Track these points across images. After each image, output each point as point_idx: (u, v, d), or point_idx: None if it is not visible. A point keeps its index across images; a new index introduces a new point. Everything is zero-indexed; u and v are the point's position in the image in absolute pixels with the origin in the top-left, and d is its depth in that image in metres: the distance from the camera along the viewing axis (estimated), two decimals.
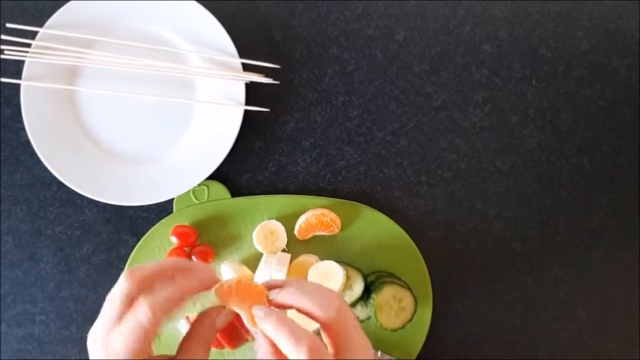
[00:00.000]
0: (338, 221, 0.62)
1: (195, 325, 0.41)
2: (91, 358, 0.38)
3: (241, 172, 0.65)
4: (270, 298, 0.41)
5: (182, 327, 0.61)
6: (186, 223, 0.63)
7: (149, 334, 0.37)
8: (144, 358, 0.38)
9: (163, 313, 0.38)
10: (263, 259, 0.61)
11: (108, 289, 0.66)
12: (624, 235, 0.66)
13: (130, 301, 0.37)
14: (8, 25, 0.61)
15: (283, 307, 0.41)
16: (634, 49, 0.66)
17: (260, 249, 0.61)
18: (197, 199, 0.63)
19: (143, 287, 0.38)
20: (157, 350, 0.58)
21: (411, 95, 0.65)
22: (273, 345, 0.39)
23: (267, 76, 0.63)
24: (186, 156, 0.63)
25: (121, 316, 0.37)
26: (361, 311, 0.61)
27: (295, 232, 0.62)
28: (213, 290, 0.40)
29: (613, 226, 0.66)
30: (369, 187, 0.65)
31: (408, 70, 0.65)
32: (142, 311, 0.37)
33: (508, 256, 0.65)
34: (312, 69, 0.65)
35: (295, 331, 0.38)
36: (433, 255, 0.64)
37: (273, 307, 0.40)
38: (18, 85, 0.61)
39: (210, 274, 0.40)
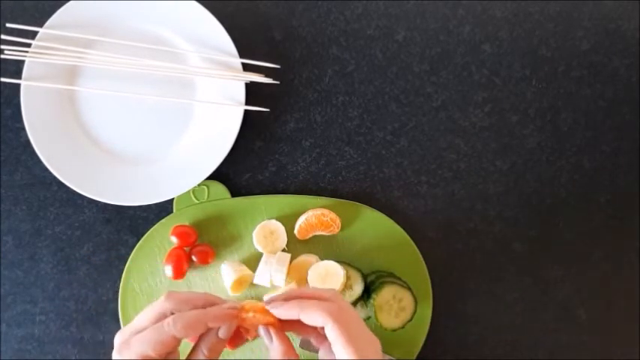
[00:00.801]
0: (338, 221, 0.62)
1: (200, 337, 0.44)
2: (113, 355, 0.42)
3: (241, 172, 0.65)
4: (272, 311, 0.45)
5: None
6: (186, 223, 0.63)
7: (165, 344, 0.41)
8: None
9: (184, 329, 0.41)
10: (263, 259, 0.61)
11: (108, 289, 0.66)
12: (624, 235, 0.66)
13: (161, 318, 0.42)
14: (8, 25, 0.61)
15: (289, 320, 0.45)
16: (634, 49, 0.66)
17: (260, 249, 0.61)
18: (197, 199, 0.63)
19: (175, 309, 0.43)
20: None
21: (411, 95, 0.65)
22: (288, 346, 0.45)
23: (267, 76, 0.63)
24: (186, 156, 0.63)
25: (148, 327, 0.42)
26: (361, 311, 0.61)
27: (295, 232, 0.62)
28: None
29: (613, 226, 0.66)
30: (369, 187, 0.65)
31: (408, 70, 0.65)
32: (165, 322, 0.41)
33: (508, 256, 0.65)
34: (312, 69, 0.65)
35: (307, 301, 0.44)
36: (433, 255, 0.64)
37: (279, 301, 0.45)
38: (18, 85, 0.61)
39: (234, 310, 0.44)
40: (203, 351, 0.43)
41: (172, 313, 0.43)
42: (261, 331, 0.46)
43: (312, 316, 0.43)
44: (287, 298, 0.45)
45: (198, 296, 0.44)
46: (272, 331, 0.45)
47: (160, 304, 0.43)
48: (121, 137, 0.63)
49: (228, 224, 0.63)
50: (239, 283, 0.60)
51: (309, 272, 0.60)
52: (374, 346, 0.44)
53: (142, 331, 0.42)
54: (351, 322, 0.43)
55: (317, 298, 0.44)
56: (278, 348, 0.45)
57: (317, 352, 0.61)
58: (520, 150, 0.66)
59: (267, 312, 0.45)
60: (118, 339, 0.43)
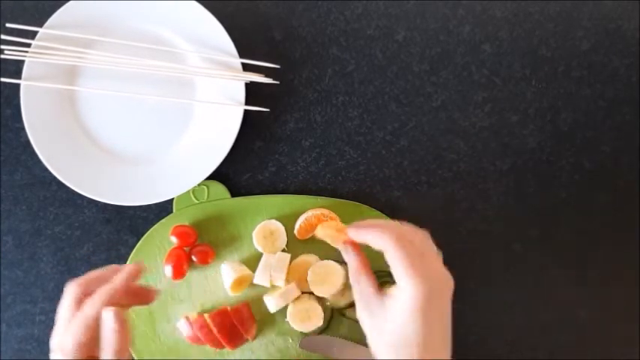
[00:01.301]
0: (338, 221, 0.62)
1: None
2: (50, 356, 0.45)
3: (241, 172, 0.65)
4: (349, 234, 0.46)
5: (181, 326, 0.61)
6: (186, 223, 0.63)
7: (93, 327, 0.43)
8: (92, 355, 0.43)
9: (104, 304, 0.43)
10: (263, 258, 0.61)
11: None
12: (624, 235, 0.66)
13: (77, 304, 0.44)
14: (8, 25, 0.61)
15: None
16: (634, 49, 0.66)
17: (260, 249, 0.61)
18: (197, 199, 0.63)
19: (86, 291, 0.45)
20: (157, 350, 0.58)
21: (411, 95, 0.65)
22: (363, 258, 0.45)
23: (267, 76, 0.63)
24: (186, 156, 0.63)
25: (71, 319, 0.44)
26: None
27: (295, 232, 0.62)
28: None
29: (613, 226, 0.66)
30: (369, 187, 0.65)
31: (408, 70, 0.65)
32: (86, 307, 0.43)
33: (508, 256, 0.65)
34: (312, 69, 0.65)
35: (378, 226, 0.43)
36: None
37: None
38: (18, 85, 0.61)
39: (139, 268, 0.47)
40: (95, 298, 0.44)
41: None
42: (341, 247, 0.46)
43: (375, 239, 0.42)
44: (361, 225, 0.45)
45: (102, 271, 0.47)
46: (349, 245, 0.46)
47: (68, 293, 0.45)
48: (121, 137, 0.63)
49: (228, 224, 0.63)
50: (239, 282, 0.60)
51: (309, 272, 0.60)
52: (439, 275, 0.42)
53: (68, 326, 0.43)
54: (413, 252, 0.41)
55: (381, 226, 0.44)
56: (355, 260, 0.45)
57: (317, 352, 0.62)
58: (520, 150, 0.65)
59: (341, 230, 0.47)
60: (52, 344, 0.45)
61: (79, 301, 0.44)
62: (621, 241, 0.66)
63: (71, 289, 0.45)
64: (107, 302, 0.43)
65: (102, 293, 0.44)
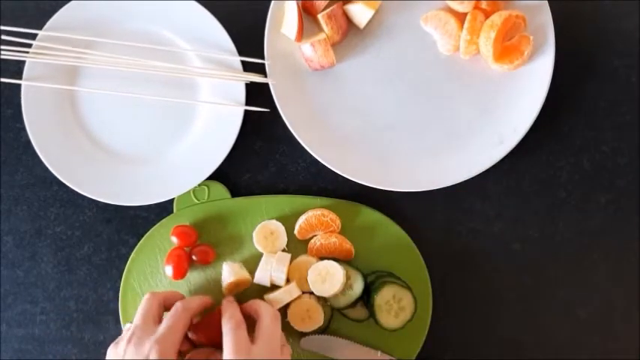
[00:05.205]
0: (338, 221, 0.62)
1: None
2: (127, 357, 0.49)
3: (241, 172, 0.65)
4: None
5: None
6: (187, 223, 0.63)
7: (185, 328, 0.52)
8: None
9: (193, 310, 0.54)
10: (263, 259, 0.61)
11: (108, 289, 0.66)
12: (624, 235, 0.66)
13: (156, 315, 0.53)
14: (8, 28, 0.61)
15: None
16: (634, 49, 0.66)
17: (260, 249, 0.61)
18: (197, 199, 0.63)
19: (165, 305, 0.55)
20: None
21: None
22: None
23: (267, 76, 0.63)
24: (186, 156, 0.63)
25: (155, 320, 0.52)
26: (361, 311, 0.61)
27: (295, 232, 0.62)
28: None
29: (613, 226, 0.66)
30: (369, 187, 0.65)
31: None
32: (178, 309, 0.52)
33: (508, 256, 0.65)
34: None
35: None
36: (433, 255, 0.64)
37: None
38: (18, 85, 0.61)
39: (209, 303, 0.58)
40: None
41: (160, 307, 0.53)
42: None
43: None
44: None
45: (171, 292, 0.57)
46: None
47: (146, 306, 0.53)
48: (122, 137, 0.64)
49: (229, 224, 0.63)
50: (235, 284, 0.60)
51: (309, 272, 0.60)
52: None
53: (153, 326, 0.51)
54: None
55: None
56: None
57: (317, 352, 0.62)
58: (520, 150, 0.65)
59: None
60: (127, 338, 0.50)
61: (156, 314, 0.52)
62: (621, 241, 0.65)
63: (150, 301, 0.53)
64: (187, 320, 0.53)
65: (194, 301, 0.55)
